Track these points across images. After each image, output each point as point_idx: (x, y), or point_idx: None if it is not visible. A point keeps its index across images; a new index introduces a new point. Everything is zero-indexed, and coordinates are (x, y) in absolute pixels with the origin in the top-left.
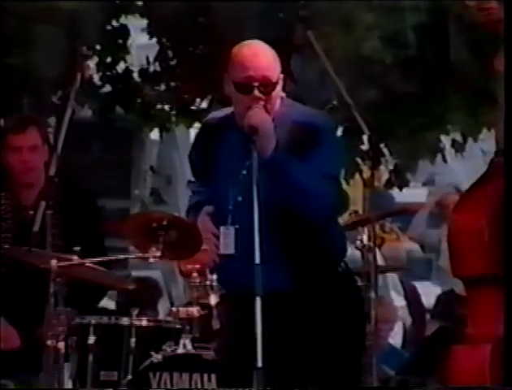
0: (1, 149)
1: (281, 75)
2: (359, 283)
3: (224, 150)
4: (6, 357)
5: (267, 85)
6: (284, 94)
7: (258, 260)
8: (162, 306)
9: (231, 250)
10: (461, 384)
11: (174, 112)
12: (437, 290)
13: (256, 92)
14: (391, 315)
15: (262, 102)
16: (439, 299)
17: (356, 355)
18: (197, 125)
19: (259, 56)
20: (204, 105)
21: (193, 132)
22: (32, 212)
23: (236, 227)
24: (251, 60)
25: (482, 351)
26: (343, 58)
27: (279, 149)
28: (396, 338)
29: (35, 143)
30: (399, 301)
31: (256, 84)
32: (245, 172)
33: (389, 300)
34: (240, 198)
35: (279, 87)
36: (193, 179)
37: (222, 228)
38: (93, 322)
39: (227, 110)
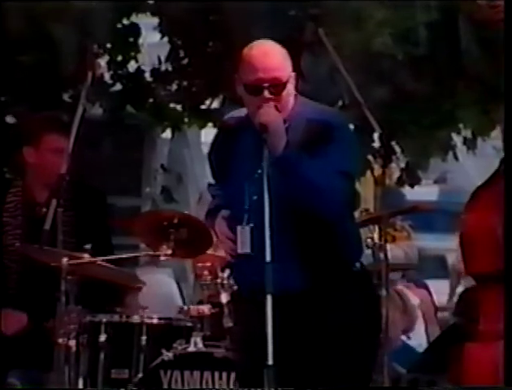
0: (31, 146)
1: (292, 74)
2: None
3: (241, 150)
4: (16, 355)
5: (277, 86)
6: (295, 93)
7: (268, 258)
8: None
9: (247, 249)
10: (474, 382)
11: (186, 112)
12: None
13: (266, 93)
14: (407, 313)
15: (272, 103)
16: (461, 297)
17: (369, 355)
18: (209, 125)
19: (269, 57)
20: (216, 104)
21: (204, 130)
22: (44, 209)
23: (252, 225)
24: (260, 61)
25: (495, 348)
26: (354, 56)
27: (291, 147)
28: (416, 336)
29: (64, 146)
30: (414, 299)
31: (266, 85)
32: (260, 171)
33: (406, 298)
34: (255, 197)
35: (290, 86)
36: (204, 179)
37: (238, 228)
38: (104, 320)
39: (245, 111)
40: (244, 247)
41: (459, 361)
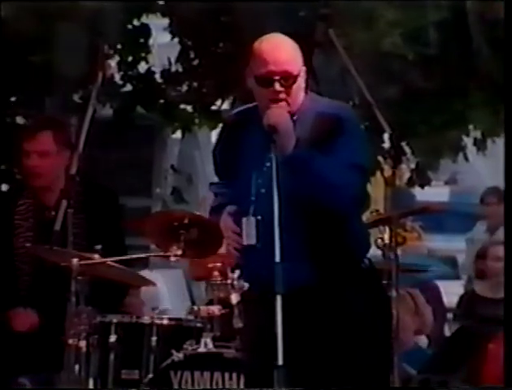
0: (21, 150)
1: (303, 68)
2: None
3: (248, 143)
4: (27, 356)
5: (288, 78)
6: (304, 85)
7: (278, 258)
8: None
9: (253, 241)
10: (499, 379)
11: (196, 113)
12: (459, 290)
13: (277, 85)
14: (419, 315)
15: (282, 95)
16: (461, 299)
17: (380, 353)
18: (220, 126)
19: (280, 50)
20: (226, 105)
21: (215, 131)
22: (54, 212)
23: (258, 218)
24: (272, 54)
25: None
26: (364, 56)
27: (301, 146)
28: (426, 337)
29: (45, 148)
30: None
31: (277, 77)
32: (268, 164)
33: (418, 300)
34: (263, 190)
35: (300, 79)
36: (215, 179)
37: (244, 219)
38: (115, 320)
39: (250, 105)
40: (249, 238)
41: (481, 361)
